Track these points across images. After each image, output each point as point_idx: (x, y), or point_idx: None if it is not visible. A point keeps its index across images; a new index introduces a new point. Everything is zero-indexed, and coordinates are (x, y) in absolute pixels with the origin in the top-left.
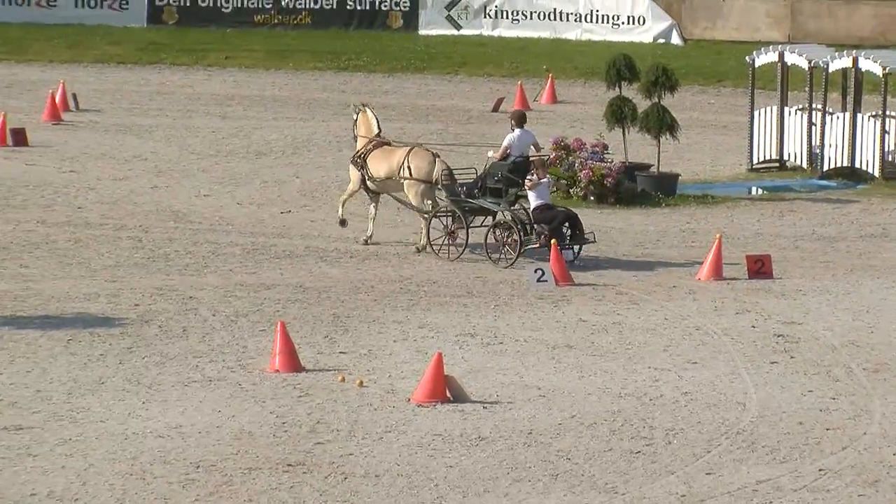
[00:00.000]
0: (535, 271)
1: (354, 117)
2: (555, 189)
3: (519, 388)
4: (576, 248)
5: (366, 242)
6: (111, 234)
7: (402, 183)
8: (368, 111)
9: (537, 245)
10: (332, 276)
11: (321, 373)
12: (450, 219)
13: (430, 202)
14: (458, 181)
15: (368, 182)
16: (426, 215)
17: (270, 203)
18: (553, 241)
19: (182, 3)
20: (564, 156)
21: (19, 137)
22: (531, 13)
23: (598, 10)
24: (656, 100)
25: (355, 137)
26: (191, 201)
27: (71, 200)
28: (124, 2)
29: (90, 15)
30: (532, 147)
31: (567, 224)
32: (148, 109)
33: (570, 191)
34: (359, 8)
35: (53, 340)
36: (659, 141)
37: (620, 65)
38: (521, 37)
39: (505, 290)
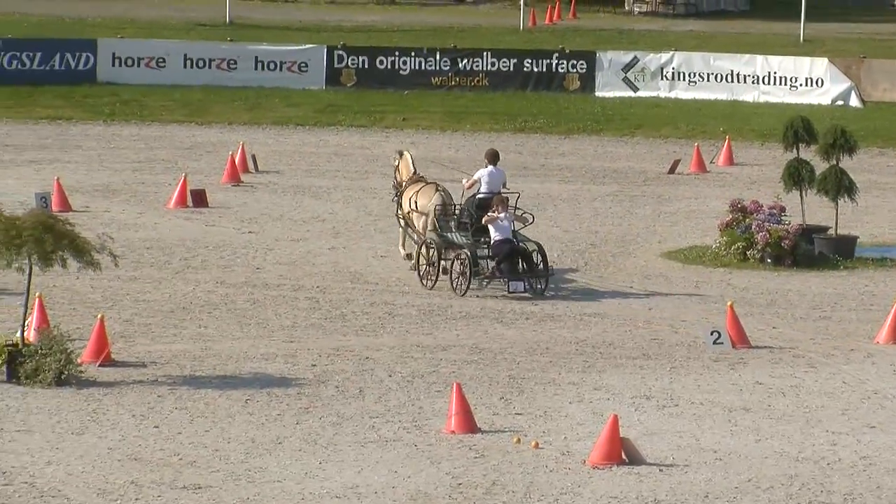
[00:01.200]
0: (711, 333)
1: (395, 163)
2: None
3: (695, 450)
4: (528, 280)
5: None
6: (289, 294)
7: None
8: (407, 155)
9: (486, 276)
10: (508, 337)
11: (497, 434)
12: (431, 251)
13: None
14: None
15: (400, 218)
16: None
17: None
18: None
19: (360, 66)
20: (741, 218)
21: (199, 198)
22: (708, 75)
23: (775, 72)
24: (834, 162)
25: (399, 184)
26: (368, 262)
27: (249, 261)
28: (303, 65)
29: (270, 77)
30: (502, 185)
31: (520, 258)
32: (326, 171)
33: (747, 253)
34: (536, 70)
35: (231, 400)
36: (837, 203)
37: (798, 127)
38: (697, 99)
39: (681, 352)
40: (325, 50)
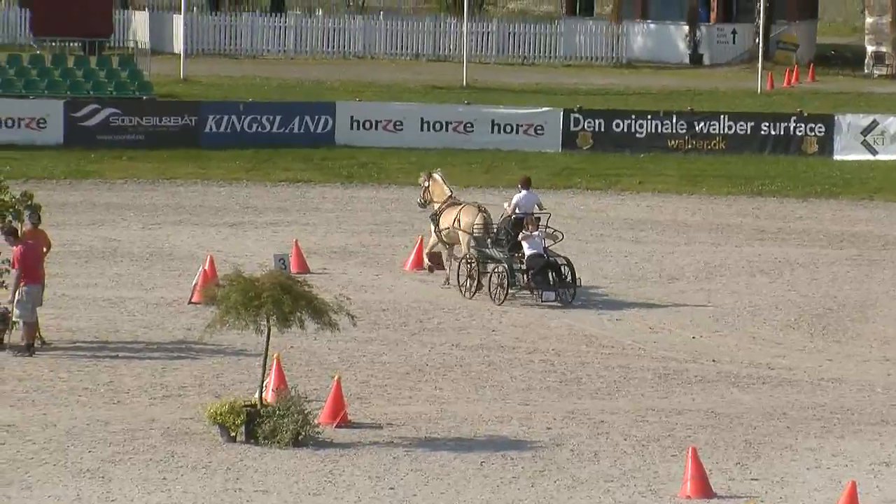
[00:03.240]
0: None
1: (426, 185)
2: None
3: None
4: (559, 291)
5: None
6: (524, 357)
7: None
8: (437, 176)
9: (522, 287)
10: (744, 401)
11: (733, 499)
12: (471, 265)
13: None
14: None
15: (441, 236)
16: (459, 258)
17: (682, 328)
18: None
19: (597, 129)
20: None
21: (438, 260)
22: None
23: None
24: None
25: (425, 202)
26: (602, 325)
27: (485, 324)
28: (539, 127)
29: (506, 140)
30: (536, 206)
31: (551, 271)
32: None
33: None
34: (773, 133)
35: (466, 462)
36: None
37: None
38: None
39: None
40: (562, 113)
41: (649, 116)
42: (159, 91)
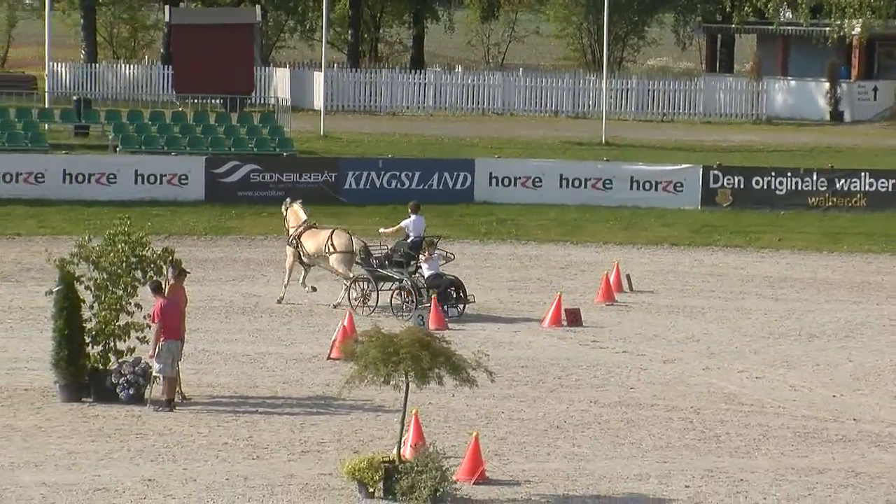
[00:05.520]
0: None
1: (284, 213)
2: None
3: None
4: (459, 306)
5: (280, 301)
6: (662, 414)
7: (328, 256)
8: (295, 205)
9: (428, 304)
10: (886, 461)
11: None
12: (365, 283)
13: (349, 270)
14: (373, 255)
15: (303, 257)
16: (346, 280)
17: (823, 386)
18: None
19: (736, 186)
20: None
21: (574, 317)
22: None
23: None
24: None
25: (288, 229)
26: (742, 383)
27: (623, 381)
28: (679, 184)
29: (645, 197)
30: (424, 230)
31: (452, 288)
32: (700, 290)
33: None
34: None
35: None
36: None
37: None
38: None
39: None
40: (701, 170)
41: (789, 174)
42: (299, 147)
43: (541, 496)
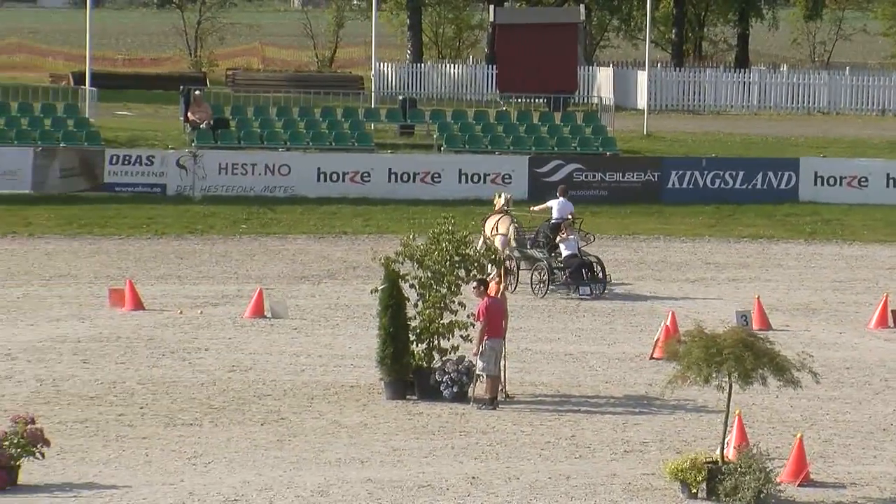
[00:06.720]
0: None
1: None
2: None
3: None
4: (592, 286)
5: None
6: None
7: (494, 238)
8: (501, 196)
9: (561, 283)
10: None
11: None
12: (513, 262)
13: (505, 249)
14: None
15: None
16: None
17: None
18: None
19: None
20: None
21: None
22: None
23: None
24: None
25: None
26: None
27: None
28: None
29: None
30: (570, 214)
31: (585, 269)
32: None
33: None
34: None
35: None
36: None
37: None
38: None
39: None
40: None
41: None
42: (622, 147)
43: (867, 499)
